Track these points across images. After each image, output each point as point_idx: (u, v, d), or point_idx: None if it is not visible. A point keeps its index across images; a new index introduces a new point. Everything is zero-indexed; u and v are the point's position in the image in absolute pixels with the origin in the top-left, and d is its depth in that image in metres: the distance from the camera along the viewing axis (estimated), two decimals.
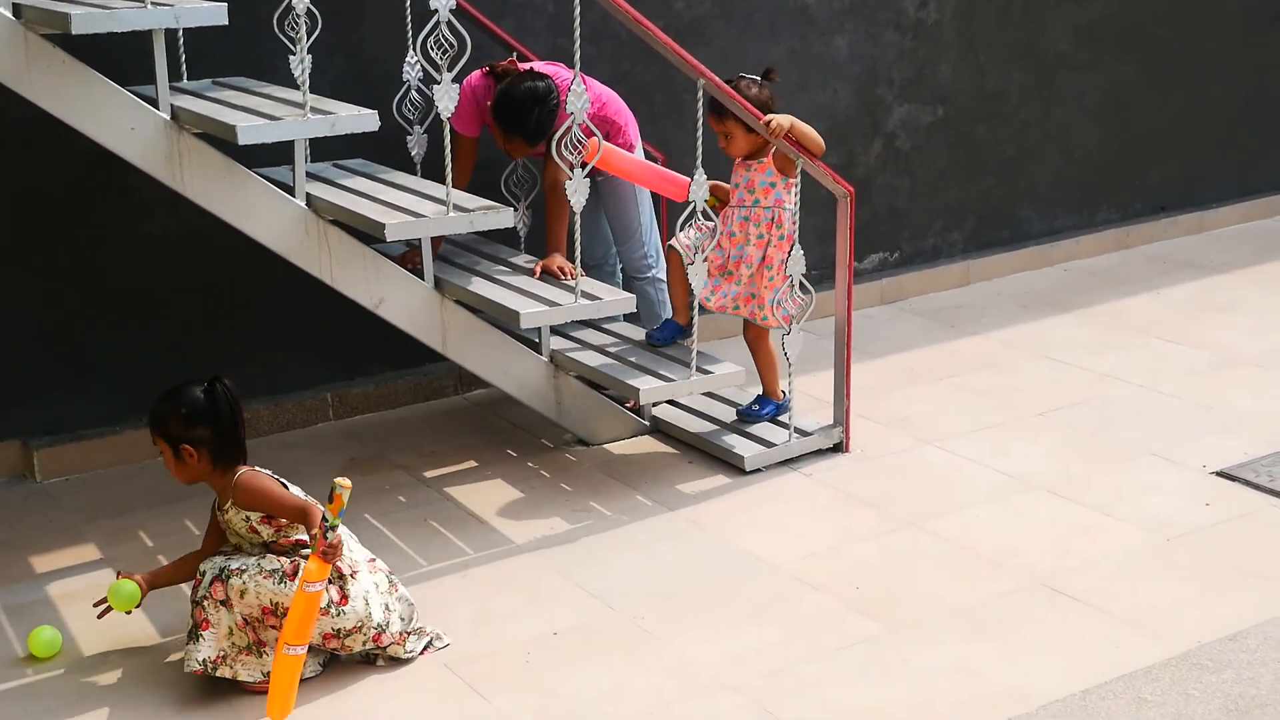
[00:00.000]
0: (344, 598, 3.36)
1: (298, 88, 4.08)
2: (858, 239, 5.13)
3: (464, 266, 4.67)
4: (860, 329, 5.47)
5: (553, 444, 4.78)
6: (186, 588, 3.53)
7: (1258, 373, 5.21)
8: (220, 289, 4.85)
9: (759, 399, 4.72)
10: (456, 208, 4.21)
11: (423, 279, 4.35)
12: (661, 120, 5.42)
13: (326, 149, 4.62)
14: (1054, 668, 3.36)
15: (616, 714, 3.25)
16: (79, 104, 3.80)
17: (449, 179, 4.19)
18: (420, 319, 4.35)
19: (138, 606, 3.49)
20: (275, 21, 4.43)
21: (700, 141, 4.32)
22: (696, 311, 4.47)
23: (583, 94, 4.16)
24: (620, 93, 4.84)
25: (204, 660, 3.32)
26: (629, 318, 4.87)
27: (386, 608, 3.43)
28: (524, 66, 4.70)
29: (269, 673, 3.28)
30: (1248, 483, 4.28)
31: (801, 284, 4.47)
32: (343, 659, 3.48)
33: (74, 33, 3.69)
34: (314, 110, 4.04)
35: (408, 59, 4.77)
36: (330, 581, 3.33)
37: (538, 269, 4.60)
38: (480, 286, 4.47)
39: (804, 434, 4.61)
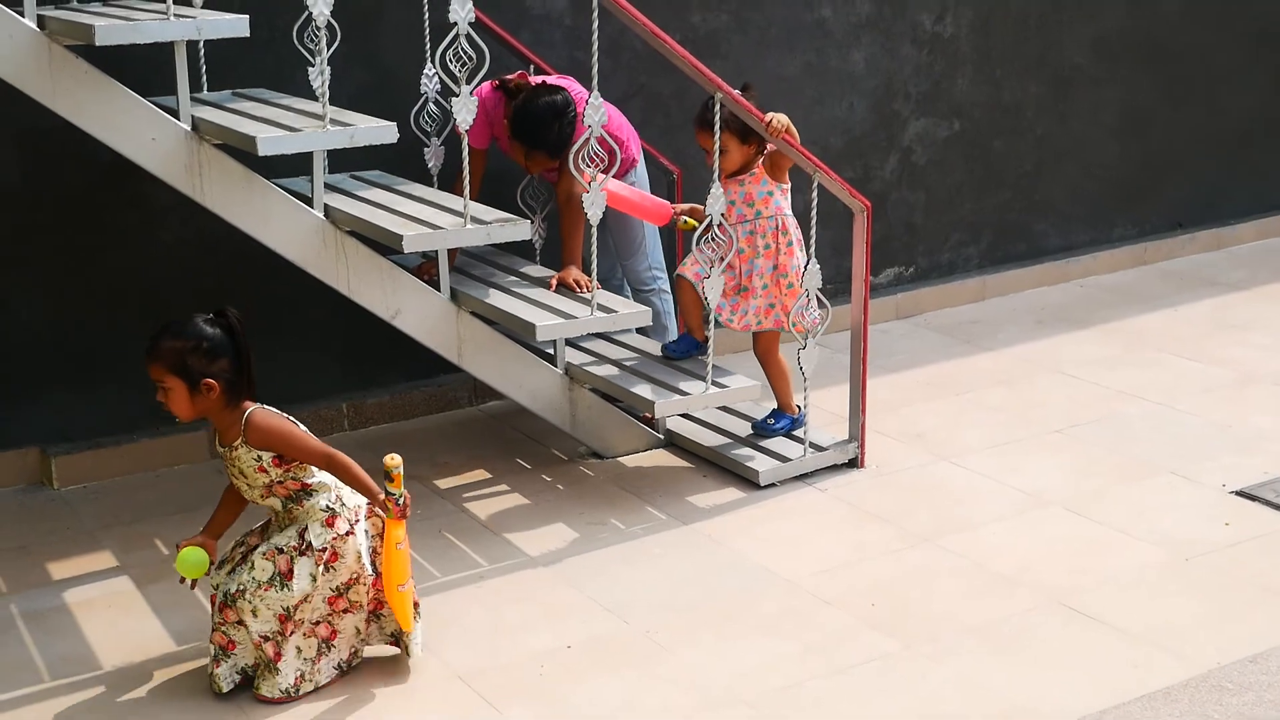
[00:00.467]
0: (334, 554, 3.36)
1: (317, 99, 4.09)
2: (873, 253, 5.13)
3: (480, 278, 4.68)
4: (876, 344, 5.46)
5: (567, 456, 4.78)
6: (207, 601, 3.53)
7: (1276, 391, 5.19)
8: (236, 298, 4.81)
9: (774, 413, 4.72)
10: (474, 220, 4.22)
11: (439, 290, 4.37)
12: (676, 132, 5.42)
13: (344, 160, 4.64)
14: (1071, 687, 3.34)
15: None
16: (101, 114, 3.82)
17: (466, 191, 4.20)
18: (436, 330, 4.36)
19: (213, 565, 3.44)
20: (295, 33, 4.45)
21: (718, 153, 4.31)
22: (713, 326, 4.47)
23: (600, 107, 4.17)
24: (636, 105, 4.85)
25: (286, 689, 3.35)
26: (638, 331, 4.87)
27: (374, 551, 3.44)
28: (535, 79, 4.71)
29: (286, 689, 3.35)
30: (1268, 503, 4.25)
31: (818, 298, 4.47)
32: (359, 665, 3.49)
33: (98, 44, 3.71)
34: (333, 122, 4.05)
35: (426, 71, 4.78)
36: (323, 549, 3.34)
37: (554, 282, 4.60)
38: (497, 299, 4.48)
39: (819, 449, 4.60)
